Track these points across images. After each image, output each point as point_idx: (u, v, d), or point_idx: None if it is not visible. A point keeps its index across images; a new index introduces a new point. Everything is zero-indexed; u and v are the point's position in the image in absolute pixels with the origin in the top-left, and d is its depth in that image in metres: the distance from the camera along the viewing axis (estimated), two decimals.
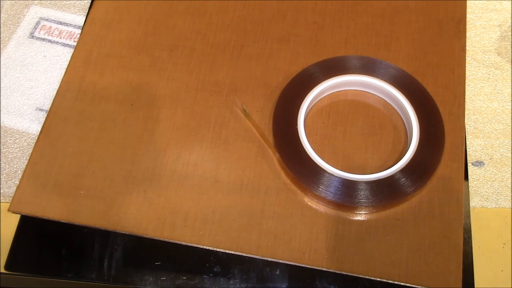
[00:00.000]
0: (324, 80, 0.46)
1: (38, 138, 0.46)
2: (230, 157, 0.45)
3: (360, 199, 0.41)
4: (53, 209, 0.43)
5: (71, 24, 0.54)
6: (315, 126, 0.46)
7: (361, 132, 0.46)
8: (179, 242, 0.42)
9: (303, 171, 0.43)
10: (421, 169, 0.43)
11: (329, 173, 0.43)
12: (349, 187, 0.42)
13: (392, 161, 0.45)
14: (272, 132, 0.45)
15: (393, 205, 0.43)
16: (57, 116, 0.47)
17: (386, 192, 0.42)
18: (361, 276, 0.41)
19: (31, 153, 0.45)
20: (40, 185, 0.44)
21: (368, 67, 0.47)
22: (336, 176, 0.42)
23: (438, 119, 0.45)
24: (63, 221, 0.43)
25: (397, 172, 0.42)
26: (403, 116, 0.46)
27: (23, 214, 0.44)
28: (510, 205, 0.45)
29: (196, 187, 0.44)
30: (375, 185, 0.42)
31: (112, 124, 0.46)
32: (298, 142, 0.44)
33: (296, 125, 0.44)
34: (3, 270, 0.43)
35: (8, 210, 0.43)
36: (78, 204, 0.43)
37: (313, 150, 0.43)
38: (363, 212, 0.43)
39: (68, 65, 0.49)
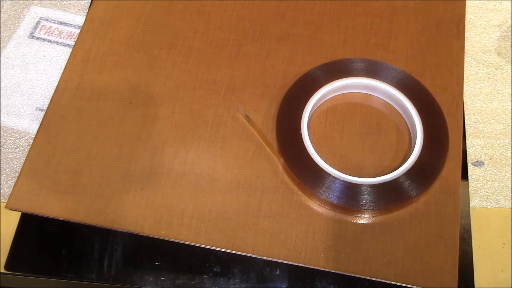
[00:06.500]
0: (327, 84, 0.46)
1: (36, 135, 0.46)
2: (227, 156, 0.45)
3: (365, 202, 0.41)
4: (50, 206, 0.43)
5: (71, 24, 0.55)
6: (318, 129, 0.46)
7: (362, 133, 0.46)
8: (175, 240, 0.42)
9: (308, 175, 0.42)
10: (425, 171, 0.42)
11: (334, 177, 0.42)
12: (354, 190, 0.42)
13: (396, 164, 0.44)
14: (276, 137, 0.45)
15: (398, 208, 0.42)
16: (55, 114, 0.47)
17: (391, 196, 0.41)
18: (357, 275, 0.40)
19: (29, 150, 0.45)
20: (37, 182, 0.44)
21: (371, 70, 0.47)
22: (341, 180, 0.42)
23: (442, 121, 0.45)
24: (60, 219, 0.43)
25: (402, 175, 0.42)
26: (406, 118, 0.46)
27: (20, 211, 0.44)
28: (510, 205, 0.45)
29: (193, 186, 0.44)
30: (380, 188, 0.42)
31: (110, 122, 0.46)
32: (302, 147, 0.44)
33: (300, 129, 0.44)
34: (3, 270, 0.43)
35: (5, 207, 0.43)
36: (75, 202, 0.43)
37: (317, 154, 0.43)
38: (367, 215, 0.42)
39: (66, 63, 0.50)
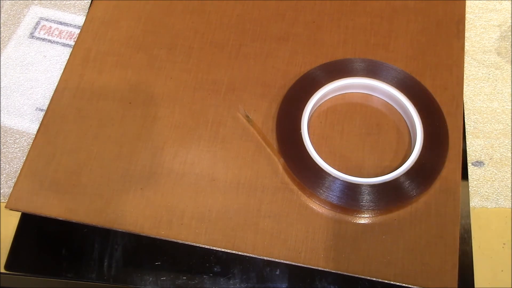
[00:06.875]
0: (327, 84, 0.46)
1: (36, 135, 0.46)
2: (227, 156, 0.45)
3: (365, 202, 0.41)
4: (50, 206, 0.43)
5: (71, 24, 0.55)
6: (318, 129, 0.46)
7: (362, 133, 0.46)
8: (175, 240, 0.42)
9: (308, 175, 0.42)
10: (425, 171, 0.42)
11: (334, 177, 0.42)
12: (354, 190, 0.42)
13: (396, 164, 0.44)
14: (276, 137, 0.45)
15: (398, 208, 0.42)
16: (55, 114, 0.47)
17: (391, 196, 0.41)
18: (357, 275, 0.40)
19: (29, 150, 0.45)
20: (37, 182, 0.44)
21: (371, 70, 0.47)
22: (341, 180, 0.42)
23: (442, 121, 0.45)
24: (60, 219, 0.43)
25: (402, 175, 0.42)
26: (406, 118, 0.46)
27: (20, 211, 0.44)
28: (510, 205, 0.45)
29: (193, 186, 0.44)
30: (380, 188, 0.42)
31: (110, 122, 0.46)
32: (302, 147, 0.44)
33: (300, 129, 0.44)
34: (3, 270, 0.43)
35: (5, 207, 0.43)
36: (75, 202, 0.43)
37: (317, 154, 0.43)
38: (367, 215, 0.42)
39: (66, 63, 0.50)
